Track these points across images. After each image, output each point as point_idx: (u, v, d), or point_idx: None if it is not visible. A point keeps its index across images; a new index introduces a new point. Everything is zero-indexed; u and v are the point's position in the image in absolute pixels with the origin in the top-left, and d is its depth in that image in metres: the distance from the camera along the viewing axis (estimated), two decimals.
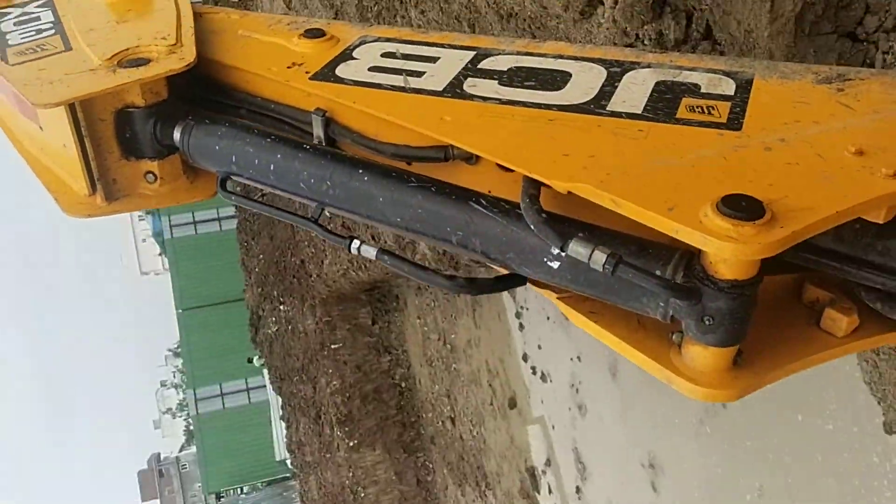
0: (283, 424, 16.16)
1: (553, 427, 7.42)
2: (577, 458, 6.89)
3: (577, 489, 6.99)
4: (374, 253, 1.81)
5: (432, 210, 1.71)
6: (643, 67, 1.76)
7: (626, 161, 1.49)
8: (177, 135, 2.12)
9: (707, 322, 1.36)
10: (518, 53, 1.90)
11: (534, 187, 1.51)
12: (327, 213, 2.00)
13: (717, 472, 4.74)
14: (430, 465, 12.27)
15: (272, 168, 1.97)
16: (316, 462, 14.05)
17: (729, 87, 1.65)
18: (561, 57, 1.86)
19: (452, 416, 10.82)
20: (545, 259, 1.55)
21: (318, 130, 2.00)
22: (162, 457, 47.57)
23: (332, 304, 11.75)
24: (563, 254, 1.45)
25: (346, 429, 12.45)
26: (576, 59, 1.84)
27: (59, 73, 2.05)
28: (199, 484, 31.41)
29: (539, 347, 7.43)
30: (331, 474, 13.38)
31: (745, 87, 1.65)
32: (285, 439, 16.59)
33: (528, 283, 1.68)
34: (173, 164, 2.21)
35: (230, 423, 25.92)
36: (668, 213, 1.28)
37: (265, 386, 19.97)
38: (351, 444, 12.41)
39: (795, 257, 1.52)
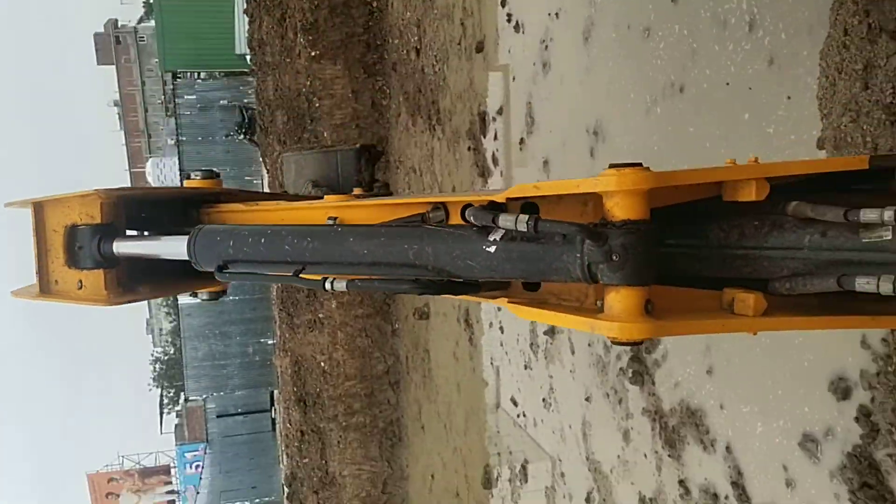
0: (247, 19, 15.76)
1: (514, 78, 7.47)
2: (529, 111, 7.07)
3: (521, 140, 7.29)
4: (345, 284, 2.21)
5: (393, 234, 2.14)
6: None
7: None
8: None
9: (615, 258, 1.70)
10: None
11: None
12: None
13: (653, 149, 4.97)
14: (388, 91, 12.44)
15: (262, 242, 2.43)
16: (276, 64, 14.01)
17: None
18: None
19: (418, 47, 10.71)
20: (484, 246, 1.94)
21: None
22: (119, 24, 46.46)
23: None
24: (496, 238, 1.90)
25: (310, 37, 12.24)
26: None
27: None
28: (157, 60, 31.26)
29: None
30: (289, 78, 13.46)
31: None
32: (247, 35, 16.30)
33: (479, 293, 2.13)
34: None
35: (192, 4, 25.08)
36: (574, 181, 1.80)
37: None
38: (313, 53, 12.31)
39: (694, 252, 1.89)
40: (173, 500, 34.84)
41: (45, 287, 2.71)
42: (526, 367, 8.09)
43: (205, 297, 3.13)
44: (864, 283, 1.63)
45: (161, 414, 41.97)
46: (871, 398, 3.64)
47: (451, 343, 10.52)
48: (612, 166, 1.71)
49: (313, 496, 13.65)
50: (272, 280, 2.68)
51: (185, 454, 30.44)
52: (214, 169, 3.23)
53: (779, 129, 3.89)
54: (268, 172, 16.70)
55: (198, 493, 19.93)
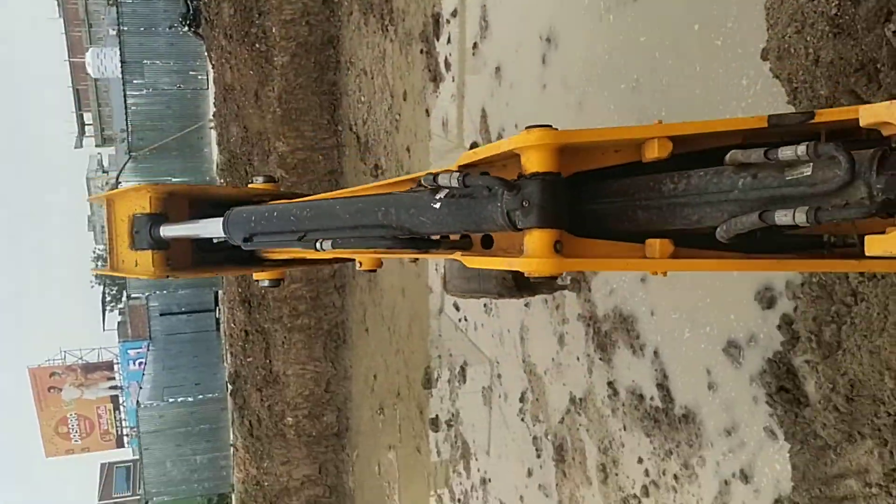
0: None
1: None
2: (484, 15, 6.93)
3: (475, 45, 7.18)
4: (331, 244, 2.64)
5: (369, 201, 2.57)
6: None
7: None
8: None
9: (525, 205, 2.01)
10: None
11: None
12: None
13: (604, 58, 4.96)
14: None
15: (275, 216, 2.97)
16: None
17: None
18: None
19: None
20: (432, 203, 2.28)
21: None
22: None
23: None
24: (441, 196, 2.25)
25: None
26: None
27: None
28: None
29: None
30: None
31: None
32: None
33: (439, 249, 2.43)
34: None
35: None
36: (497, 143, 2.15)
37: None
38: None
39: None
40: (116, 396, 35.00)
41: (114, 265, 3.42)
42: None
43: (265, 283, 3.64)
44: (782, 216, 1.73)
45: (104, 311, 41.59)
46: (795, 307, 3.81)
47: None
48: (527, 128, 2.03)
49: (257, 393, 13.86)
50: (284, 245, 3.08)
51: (129, 351, 30.44)
52: (273, 175, 3.79)
53: (727, 42, 3.91)
54: (213, 69, 16.13)
55: (140, 388, 20.09)
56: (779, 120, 1.91)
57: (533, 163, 2.02)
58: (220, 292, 17.07)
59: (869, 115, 1.62)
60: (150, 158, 19.44)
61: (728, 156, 1.88)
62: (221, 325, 16.87)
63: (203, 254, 3.55)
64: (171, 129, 19.66)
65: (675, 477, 4.96)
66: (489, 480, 8.19)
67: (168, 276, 3.41)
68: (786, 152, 1.73)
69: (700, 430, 4.58)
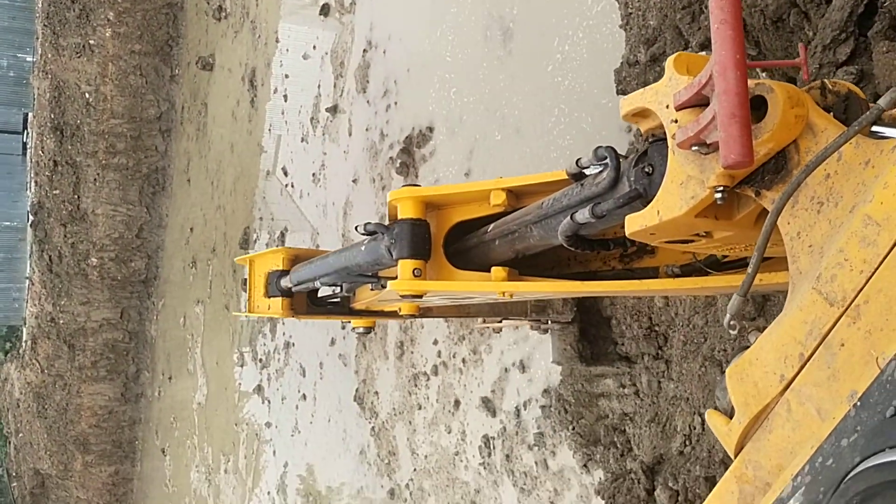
0: None
1: None
2: None
3: None
4: (317, 283, 3.57)
5: (343, 252, 3.26)
6: None
7: None
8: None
9: (393, 242, 2.62)
10: None
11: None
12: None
13: None
14: None
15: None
16: None
17: None
18: None
19: None
20: (361, 247, 2.95)
21: None
22: None
23: None
24: (364, 240, 2.90)
25: None
26: None
27: None
28: None
29: None
30: None
31: None
32: None
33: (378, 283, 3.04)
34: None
35: None
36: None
37: None
38: None
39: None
40: None
41: (252, 308, 4.28)
42: (303, 140, 8.09)
43: (360, 330, 4.29)
44: (581, 214, 1.95)
45: None
46: None
47: (231, 101, 10.14)
48: (403, 186, 2.70)
49: (61, 228, 13.07)
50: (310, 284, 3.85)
51: None
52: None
53: None
54: None
55: None
56: (574, 171, 2.15)
57: (402, 211, 2.62)
58: (29, 115, 15.61)
59: (626, 104, 1.72)
60: None
61: (566, 170, 2.18)
62: (28, 151, 15.55)
63: (315, 305, 4.32)
64: None
65: (464, 361, 5.33)
66: (293, 345, 8.39)
67: (292, 317, 4.26)
68: (583, 160, 2.03)
69: (482, 329, 4.92)
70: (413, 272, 2.57)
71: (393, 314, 4.03)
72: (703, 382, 3.62)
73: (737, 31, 1.29)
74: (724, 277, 2.21)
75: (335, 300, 4.20)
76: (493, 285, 2.52)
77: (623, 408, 4.10)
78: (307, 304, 4.29)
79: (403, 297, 2.64)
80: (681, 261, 2.40)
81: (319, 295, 4.30)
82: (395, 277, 2.75)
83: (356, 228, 2.87)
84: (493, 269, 2.52)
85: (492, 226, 2.60)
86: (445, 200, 2.69)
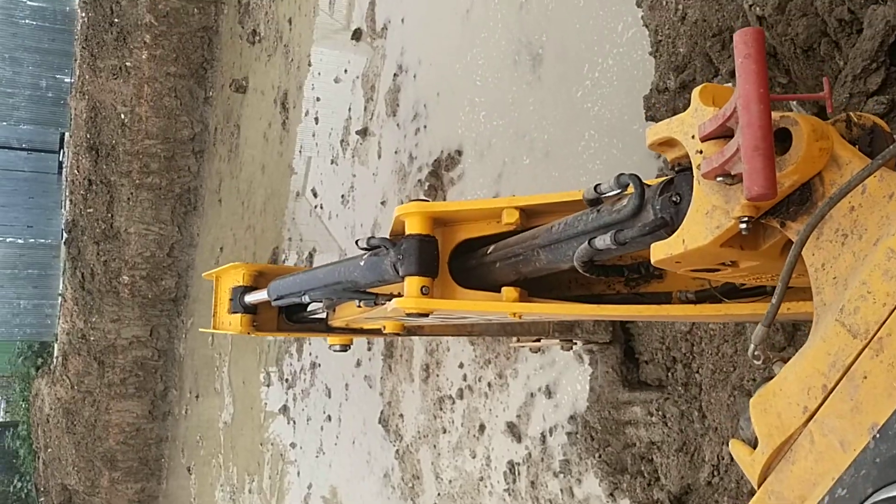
0: None
1: None
2: None
3: None
4: (308, 297, 3.31)
5: (333, 266, 3.15)
6: None
7: None
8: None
9: (401, 258, 2.50)
10: None
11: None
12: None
13: None
14: None
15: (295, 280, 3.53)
16: None
17: None
18: None
19: None
20: (360, 262, 2.81)
21: None
22: None
23: None
24: (364, 255, 2.77)
25: None
26: None
27: None
28: None
29: None
30: None
31: None
32: None
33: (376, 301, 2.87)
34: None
35: None
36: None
37: None
38: None
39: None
40: None
41: (216, 324, 4.16)
42: (333, 162, 8.18)
43: (336, 348, 4.15)
44: (601, 241, 1.93)
45: None
46: None
47: (263, 123, 10.30)
48: (411, 201, 2.61)
49: (94, 246, 13.31)
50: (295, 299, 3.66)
51: None
52: None
53: None
54: None
55: None
56: (591, 196, 2.10)
57: (410, 226, 2.53)
58: (66, 134, 15.98)
59: (652, 134, 1.72)
60: None
61: (582, 194, 2.13)
62: (64, 170, 15.89)
63: (290, 323, 4.17)
64: None
65: (489, 385, 5.33)
66: (319, 365, 8.43)
67: (253, 334, 4.12)
68: (603, 186, 1.99)
69: (518, 347, 4.92)
70: (421, 290, 2.49)
71: (373, 332, 3.94)
72: (732, 412, 3.58)
73: (760, 65, 1.31)
74: (750, 305, 2.20)
75: (314, 317, 4.04)
76: (504, 306, 2.47)
77: (651, 436, 4.06)
78: (279, 320, 4.12)
79: (409, 315, 2.56)
80: (692, 287, 2.38)
81: (304, 311, 4.11)
82: (392, 295, 2.70)
83: (356, 243, 2.76)
84: (504, 289, 2.46)
85: (492, 247, 2.56)
86: (455, 217, 2.61)
